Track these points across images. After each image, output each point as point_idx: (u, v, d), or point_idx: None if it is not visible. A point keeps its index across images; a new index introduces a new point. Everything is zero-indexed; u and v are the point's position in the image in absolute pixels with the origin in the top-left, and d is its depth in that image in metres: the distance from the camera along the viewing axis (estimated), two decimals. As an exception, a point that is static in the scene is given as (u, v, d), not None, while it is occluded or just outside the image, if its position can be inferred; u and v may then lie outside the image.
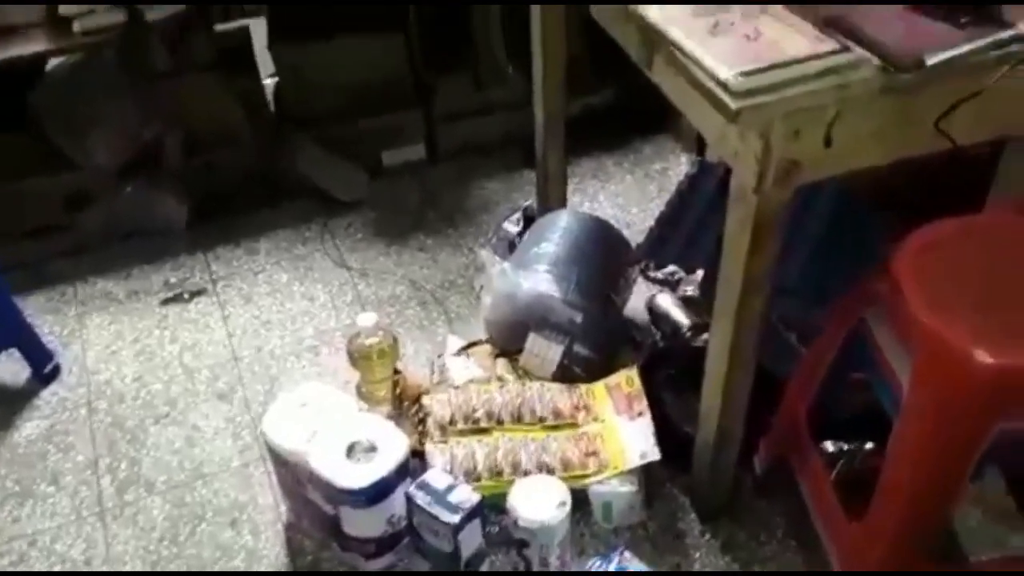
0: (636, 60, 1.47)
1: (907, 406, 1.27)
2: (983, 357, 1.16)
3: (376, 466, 1.61)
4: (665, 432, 1.76)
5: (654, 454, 1.71)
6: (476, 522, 1.63)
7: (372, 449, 1.63)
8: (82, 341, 2.23)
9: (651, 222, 2.37)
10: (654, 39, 1.36)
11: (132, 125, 2.37)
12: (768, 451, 1.74)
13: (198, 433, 1.99)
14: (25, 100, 2.34)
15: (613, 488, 1.72)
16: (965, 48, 1.22)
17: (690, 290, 2.18)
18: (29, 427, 2.03)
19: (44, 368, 2.12)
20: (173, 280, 2.39)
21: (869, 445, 1.68)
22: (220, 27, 2.54)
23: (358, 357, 1.84)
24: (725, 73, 1.20)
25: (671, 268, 2.24)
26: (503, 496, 1.64)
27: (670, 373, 1.90)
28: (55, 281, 2.39)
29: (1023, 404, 1.20)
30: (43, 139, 2.35)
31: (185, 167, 2.48)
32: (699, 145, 2.56)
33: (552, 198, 2.32)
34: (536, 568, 1.64)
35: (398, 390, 1.89)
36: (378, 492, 1.60)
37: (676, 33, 1.30)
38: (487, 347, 2.03)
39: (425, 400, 1.84)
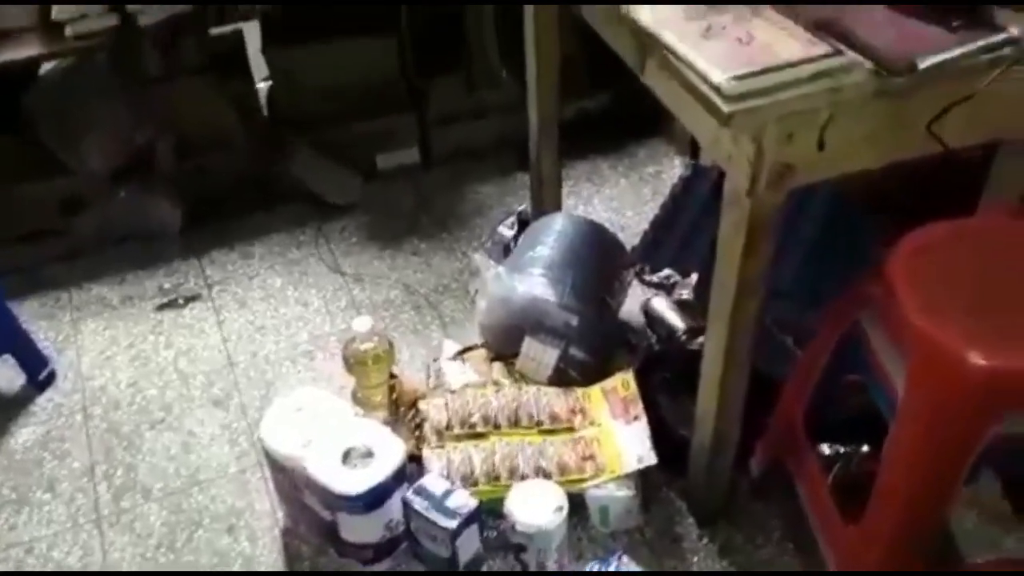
0: (628, 63, 1.47)
1: (902, 409, 1.27)
2: (976, 359, 1.16)
3: (373, 471, 1.61)
4: (661, 436, 1.75)
5: (651, 458, 1.71)
6: (474, 527, 1.63)
7: (369, 454, 1.63)
8: (77, 347, 2.22)
9: (645, 225, 2.36)
10: (646, 42, 1.36)
11: (125, 129, 2.36)
12: (764, 454, 1.74)
13: (194, 439, 1.99)
14: (18, 104, 2.34)
15: (610, 492, 1.72)
16: (957, 52, 1.23)
17: (685, 293, 2.18)
18: (25, 434, 2.02)
19: (39, 374, 2.11)
20: (167, 285, 2.38)
21: (865, 448, 1.68)
22: (214, 31, 2.53)
23: (354, 362, 1.84)
24: (718, 77, 1.20)
25: (666, 271, 2.23)
26: (500, 501, 1.64)
27: (666, 376, 1.90)
28: (49, 286, 2.38)
29: (1017, 406, 1.20)
30: (37, 144, 2.34)
31: (178, 171, 2.48)
32: (693, 148, 2.56)
33: (546, 201, 2.32)
34: (534, 572, 1.63)
35: (394, 395, 1.89)
36: (375, 498, 1.60)
37: (669, 37, 1.30)
38: (483, 351, 2.02)
39: (421, 405, 1.83)
